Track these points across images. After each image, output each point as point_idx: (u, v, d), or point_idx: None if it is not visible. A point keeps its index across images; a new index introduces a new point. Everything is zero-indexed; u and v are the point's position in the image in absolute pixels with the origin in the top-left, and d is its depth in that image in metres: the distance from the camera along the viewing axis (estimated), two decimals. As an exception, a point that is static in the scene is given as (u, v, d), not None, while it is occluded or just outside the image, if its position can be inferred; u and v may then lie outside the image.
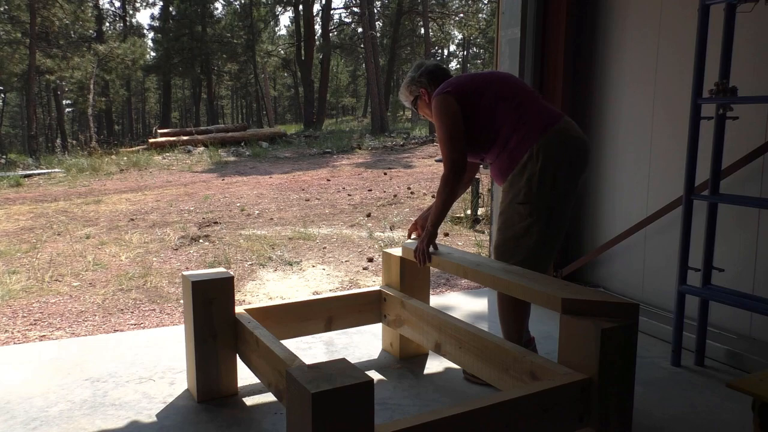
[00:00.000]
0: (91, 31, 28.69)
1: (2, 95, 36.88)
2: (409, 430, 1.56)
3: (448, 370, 2.76)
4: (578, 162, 2.50)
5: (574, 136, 2.50)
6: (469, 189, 7.37)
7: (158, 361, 2.86)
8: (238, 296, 4.18)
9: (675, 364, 2.81)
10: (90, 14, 27.37)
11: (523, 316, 2.56)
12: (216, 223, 7.09)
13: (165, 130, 19.78)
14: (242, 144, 17.64)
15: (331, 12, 33.22)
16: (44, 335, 3.45)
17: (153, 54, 35.06)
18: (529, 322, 2.83)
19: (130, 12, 35.68)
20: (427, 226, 2.59)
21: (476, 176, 6.98)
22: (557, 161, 2.45)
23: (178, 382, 2.64)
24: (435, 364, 2.82)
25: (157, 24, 35.95)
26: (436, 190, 2.85)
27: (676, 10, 3.23)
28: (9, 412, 2.37)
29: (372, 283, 4.57)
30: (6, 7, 23.93)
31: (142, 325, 3.65)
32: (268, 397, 2.47)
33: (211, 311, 2.40)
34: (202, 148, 16.48)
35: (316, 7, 34.31)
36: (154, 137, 18.23)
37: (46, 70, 25.14)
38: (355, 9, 34.22)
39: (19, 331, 3.54)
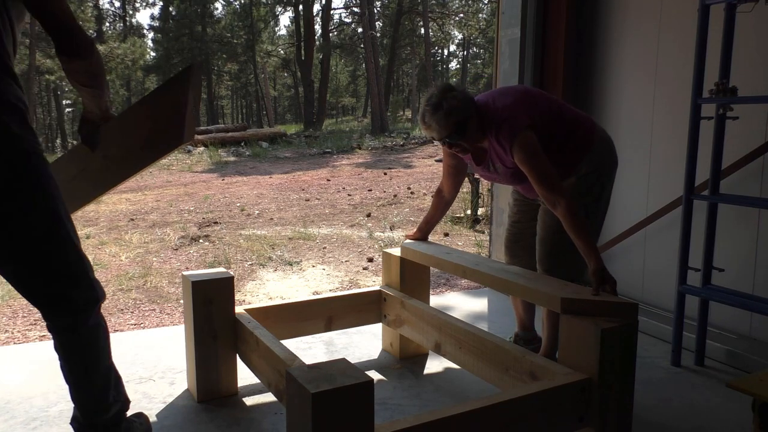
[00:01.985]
0: (91, 31, 28.67)
1: None
2: (409, 430, 1.56)
3: (448, 370, 2.76)
4: (616, 165, 2.54)
5: (610, 139, 2.53)
6: (469, 189, 7.36)
7: (158, 361, 2.86)
8: (238, 296, 4.18)
9: (675, 364, 2.81)
10: (90, 14, 27.37)
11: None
12: (216, 223, 7.09)
13: (165, 130, 19.74)
14: (242, 144, 17.64)
15: (331, 12, 33.22)
16: (44, 335, 3.45)
17: (153, 54, 35.07)
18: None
19: (130, 12, 35.73)
20: (592, 269, 2.11)
21: (476, 176, 6.98)
22: (608, 169, 2.49)
23: (178, 382, 2.64)
24: (435, 364, 2.82)
25: (157, 24, 35.98)
26: (435, 190, 2.80)
27: (676, 10, 3.23)
28: (9, 412, 2.37)
29: (372, 283, 4.57)
30: (6, 7, 23.90)
31: (142, 325, 3.65)
32: (268, 397, 2.47)
33: (211, 311, 2.40)
34: (202, 148, 16.48)
35: (316, 7, 34.34)
36: (154, 137, 18.20)
37: (46, 70, 25.15)
38: (355, 9, 34.22)
39: (19, 331, 3.54)
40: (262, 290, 4.40)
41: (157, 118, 1.99)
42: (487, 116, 2.35)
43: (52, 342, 1.88)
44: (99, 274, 4.69)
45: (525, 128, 2.28)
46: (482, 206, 7.21)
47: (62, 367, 1.86)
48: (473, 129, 2.34)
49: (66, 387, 1.90)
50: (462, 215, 7.17)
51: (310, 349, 3.00)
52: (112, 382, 1.91)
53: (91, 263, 1.93)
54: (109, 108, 1.98)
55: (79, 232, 2.05)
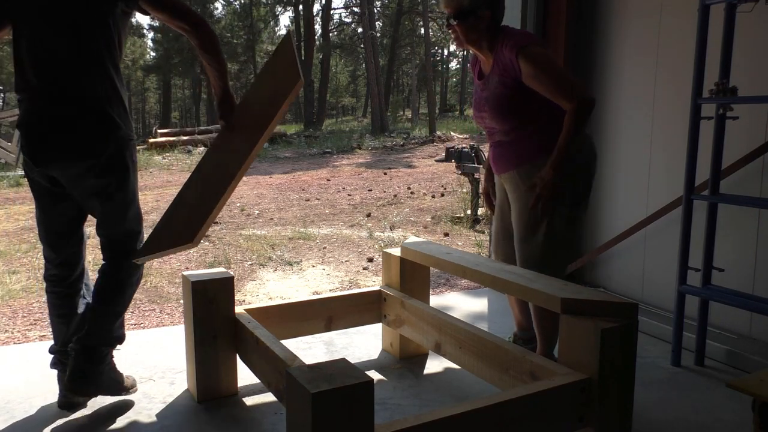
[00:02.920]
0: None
1: (2, 95, 36.88)
2: (409, 430, 1.56)
3: (448, 370, 2.76)
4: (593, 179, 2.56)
5: (596, 152, 2.55)
6: (469, 189, 7.36)
7: (158, 361, 2.86)
8: (238, 296, 4.18)
9: (675, 364, 2.81)
10: (90, 14, 27.33)
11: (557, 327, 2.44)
12: (216, 222, 7.10)
13: (165, 130, 19.78)
14: (242, 144, 17.61)
15: (331, 12, 33.23)
16: (44, 335, 3.45)
17: (153, 54, 35.08)
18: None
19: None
20: (547, 171, 2.28)
21: (476, 176, 6.98)
22: (592, 167, 2.50)
23: (178, 382, 2.64)
24: (435, 364, 2.82)
25: (157, 24, 35.96)
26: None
27: (676, 10, 3.23)
28: (9, 412, 2.37)
29: (372, 283, 4.57)
30: (6, 7, 23.88)
31: (142, 325, 3.65)
32: (268, 397, 2.47)
33: (211, 311, 2.40)
34: (202, 148, 16.48)
35: (316, 7, 34.31)
36: (154, 137, 18.24)
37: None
38: (355, 9, 34.23)
39: (19, 331, 3.54)
40: (262, 290, 4.40)
41: (275, 72, 2.40)
42: (502, 29, 2.42)
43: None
44: (99, 274, 4.69)
45: (536, 44, 2.33)
46: (482, 206, 7.21)
47: (98, 292, 2.37)
48: (480, 25, 2.38)
49: None
50: (462, 215, 7.17)
51: (310, 349, 3.00)
52: (121, 320, 2.40)
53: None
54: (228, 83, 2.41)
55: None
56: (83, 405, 2.39)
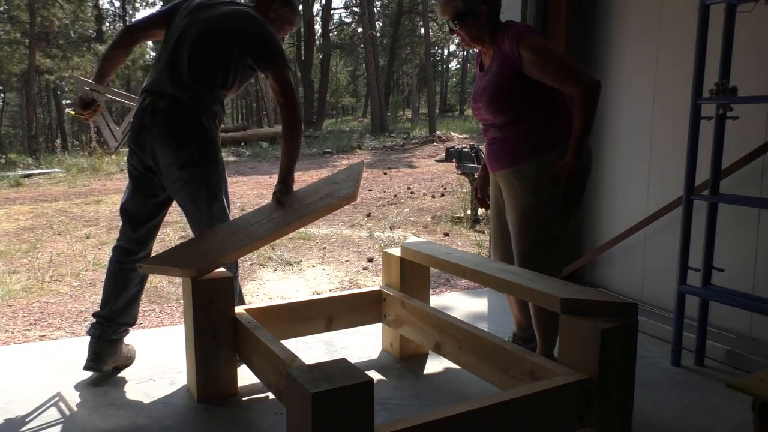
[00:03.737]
0: (91, 31, 28.69)
1: (2, 95, 36.90)
2: (409, 430, 1.56)
3: (448, 370, 2.76)
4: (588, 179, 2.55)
5: (590, 151, 2.54)
6: (469, 189, 7.36)
7: (158, 361, 2.86)
8: (238, 296, 4.18)
9: (675, 364, 2.81)
10: (90, 14, 27.37)
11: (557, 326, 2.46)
12: (216, 223, 7.09)
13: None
14: (242, 144, 17.65)
15: (331, 12, 33.22)
16: (44, 335, 3.45)
17: (153, 54, 35.06)
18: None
19: (130, 12, 35.68)
20: (568, 160, 2.31)
21: (476, 175, 6.98)
22: (588, 168, 2.50)
23: (178, 382, 2.64)
24: (435, 364, 2.82)
25: (157, 24, 35.87)
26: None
27: (676, 10, 3.24)
28: (9, 412, 2.37)
29: (372, 283, 4.57)
30: (6, 7, 23.93)
31: (142, 325, 3.64)
32: (268, 397, 2.47)
33: (211, 311, 2.40)
34: (202, 148, 16.46)
35: (316, 7, 34.30)
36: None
37: (46, 70, 25.13)
38: (355, 9, 34.22)
39: (19, 331, 3.54)
40: (262, 290, 4.40)
41: (338, 181, 2.70)
42: (504, 24, 2.45)
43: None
44: (99, 274, 4.69)
45: (536, 35, 2.35)
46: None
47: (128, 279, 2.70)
48: (480, 21, 2.42)
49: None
50: (462, 215, 7.17)
51: (310, 349, 3.00)
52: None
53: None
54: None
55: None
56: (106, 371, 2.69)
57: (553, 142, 2.40)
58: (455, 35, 2.51)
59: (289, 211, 2.57)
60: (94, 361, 2.62)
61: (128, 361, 2.81)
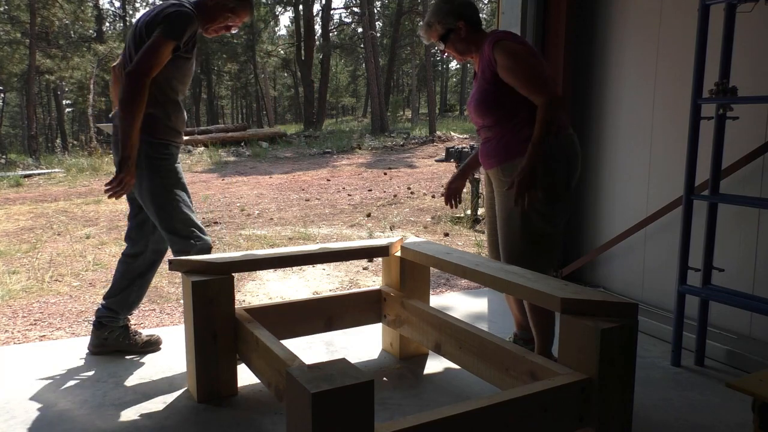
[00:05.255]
0: (91, 31, 28.68)
1: (2, 95, 36.90)
2: (409, 430, 1.56)
3: (448, 370, 2.76)
4: (575, 178, 2.56)
5: (578, 150, 2.55)
6: (469, 188, 7.36)
7: (158, 361, 2.86)
8: (238, 296, 4.18)
9: (675, 364, 2.81)
10: (90, 14, 27.36)
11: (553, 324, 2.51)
12: (216, 223, 7.10)
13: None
14: (242, 144, 17.64)
15: (331, 12, 33.23)
16: (44, 335, 3.45)
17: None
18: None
19: (130, 12, 35.68)
20: (524, 167, 2.32)
21: (476, 175, 6.98)
22: (573, 164, 2.51)
23: (178, 382, 2.64)
24: (435, 364, 2.82)
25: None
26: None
27: (676, 10, 3.24)
28: (9, 412, 2.37)
29: (372, 283, 4.57)
30: (6, 7, 23.94)
31: (142, 325, 3.64)
32: (268, 397, 2.47)
33: (211, 311, 2.40)
34: (202, 148, 16.47)
35: (316, 7, 34.34)
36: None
37: (46, 70, 25.13)
38: (355, 9, 34.23)
39: (19, 331, 3.54)
40: (262, 290, 4.40)
41: None
42: (489, 33, 2.54)
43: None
44: (99, 274, 4.69)
45: (511, 40, 2.42)
46: (482, 206, 7.21)
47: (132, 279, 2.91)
48: (461, 35, 2.56)
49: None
50: (462, 215, 7.17)
51: (310, 349, 3.00)
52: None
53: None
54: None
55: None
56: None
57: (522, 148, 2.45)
58: (446, 54, 2.67)
59: None
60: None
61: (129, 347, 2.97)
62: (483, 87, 2.51)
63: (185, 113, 2.86)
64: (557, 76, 3.78)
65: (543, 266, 2.50)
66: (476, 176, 6.99)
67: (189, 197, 2.79)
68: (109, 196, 2.54)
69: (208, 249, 2.75)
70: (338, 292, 3.04)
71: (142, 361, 2.87)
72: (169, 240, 2.74)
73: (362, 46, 31.73)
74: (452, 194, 2.85)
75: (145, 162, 2.63)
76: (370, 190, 9.76)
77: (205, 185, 10.68)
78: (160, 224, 2.72)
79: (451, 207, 2.86)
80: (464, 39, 2.56)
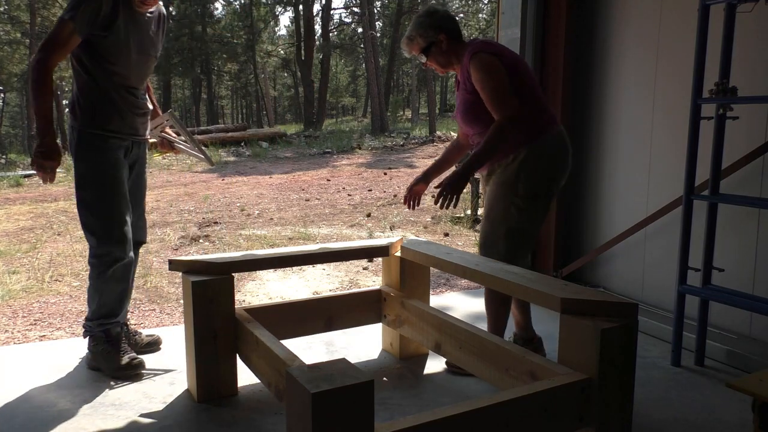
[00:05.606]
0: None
1: (2, 95, 36.90)
2: (409, 430, 1.56)
3: (448, 370, 2.76)
4: (561, 177, 2.62)
5: (565, 149, 2.60)
6: (469, 189, 7.36)
7: (158, 361, 2.86)
8: (238, 296, 4.18)
9: (675, 364, 2.81)
10: (90, 14, 27.31)
11: (508, 310, 2.68)
12: (216, 223, 7.10)
13: (165, 130, 19.73)
14: (242, 144, 17.64)
15: (331, 12, 33.23)
16: (44, 335, 3.45)
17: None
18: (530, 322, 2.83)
19: (130, 12, 35.66)
20: (457, 171, 2.39)
21: (476, 176, 6.97)
22: (559, 161, 2.56)
23: (178, 382, 2.64)
24: (435, 364, 2.82)
25: (157, 24, 35.88)
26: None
27: (676, 10, 3.24)
28: (9, 412, 2.37)
29: (372, 283, 4.57)
30: (6, 7, 23.94)
31: (142, 325, 3.64)
32: (268, 397, 2.47)
33: (211, 311, 2.40)
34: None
35: (316, 7, 34.34)
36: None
37: (46, 70, 25.09)
38: (355, 9, 34.23)
39: (19, 331, 3.54)
40: (262, 290, 4.40)
41: None
42: (467, 42, 2.59)
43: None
44: (99, 274, 4.69)
45: (487, 53, 2.45)
46: (482, 206, 7.20)
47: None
48: (442, 48, 2.59)
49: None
50: (462, 215, 7.17)
51: (310, 349, 3.00)
52: (92, 308, 2.76)
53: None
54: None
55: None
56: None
57: (528, 140, 2.51)
58: (428, 66, 2.70)
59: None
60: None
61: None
62: (465, 97, 2.58)
63: (143, 101, 2.75)
64: (557, 77, 3.78)
65: (515, 260, 2.55)
66: (476, 176, 6.98)
67: (121, 196, 2.64)
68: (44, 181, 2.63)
69: (111, 263, 2.63)
70: (338, 292, 3.04)
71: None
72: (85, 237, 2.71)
73: (362, 46, 31.74)
74: (412, 196, 2.88)
75: (74, 150, 2.64)
76: (370, 190, 9.76)
77: (205, 185, 10.68)
78: (79, 206, 2.68)
79: (410, 208, 2.90)
80: (445, 52, 2.61)
